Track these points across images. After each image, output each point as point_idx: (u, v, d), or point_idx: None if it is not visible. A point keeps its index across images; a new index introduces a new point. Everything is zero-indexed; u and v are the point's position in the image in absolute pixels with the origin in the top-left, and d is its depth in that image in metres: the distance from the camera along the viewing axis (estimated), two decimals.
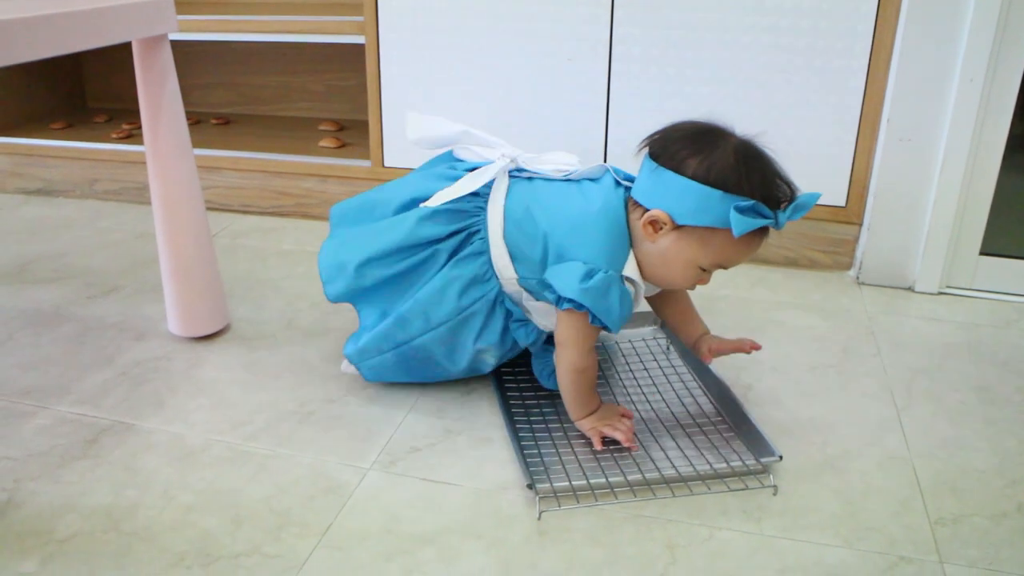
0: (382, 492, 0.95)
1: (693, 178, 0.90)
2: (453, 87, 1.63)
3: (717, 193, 0.89)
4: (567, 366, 1.00)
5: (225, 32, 1.78)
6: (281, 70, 2.17)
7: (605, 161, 1.59)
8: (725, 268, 0.96)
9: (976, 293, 1.45)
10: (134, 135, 1.98)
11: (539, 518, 0.91)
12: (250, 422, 1.08)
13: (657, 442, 1.02)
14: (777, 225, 0.90)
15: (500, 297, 1.04)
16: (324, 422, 1.08)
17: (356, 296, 1.08)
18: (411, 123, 1.11)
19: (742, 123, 1.53)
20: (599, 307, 0.94)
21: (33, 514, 0.91)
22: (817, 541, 0.88)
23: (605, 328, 0.96)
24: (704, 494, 0.94)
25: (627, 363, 1.21)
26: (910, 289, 1.47)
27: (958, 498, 0.94)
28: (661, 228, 0.94)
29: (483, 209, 1.03)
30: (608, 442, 1.00)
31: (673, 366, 1.20)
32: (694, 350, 1.11)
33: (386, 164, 1.71)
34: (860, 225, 1.50)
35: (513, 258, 1.02)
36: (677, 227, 0.93)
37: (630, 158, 1.02)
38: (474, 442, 1.04)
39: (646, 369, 1.19)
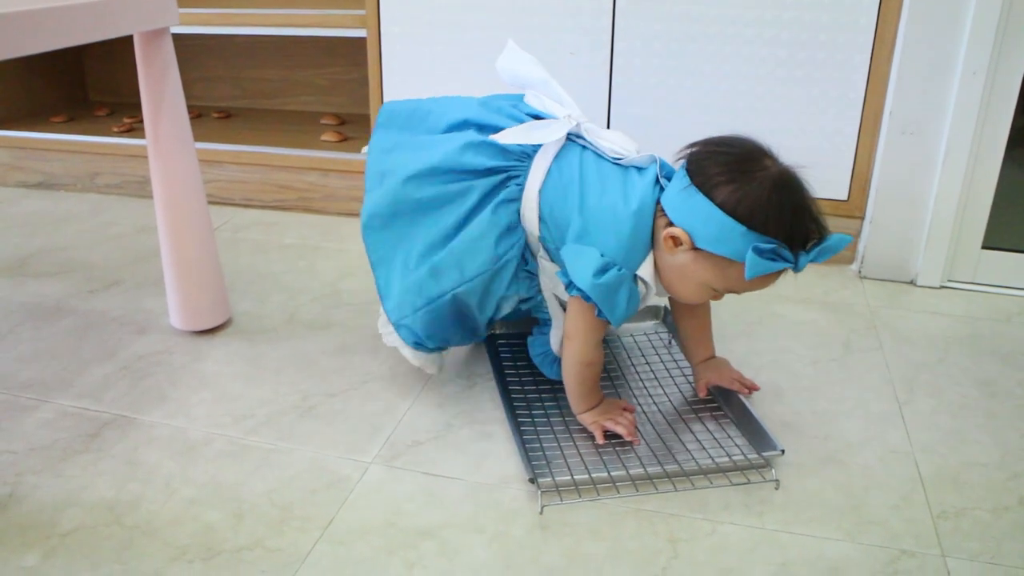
0: (384, 486, 0.95)
1: (721, 206, 0.87)
2: (455, 80, 1.62)
3: (740, 228, 0.86)
4: (575, 359, 0.99)
5: (227, 25, 1.77)
6: (283, 64, 2.17)
7: None
8: (737, 294, 0.95)
9: (978, 287, 1.45)
10: (135, 129, 1.98)
11: (541, 512, 0.91)
12: (252, 416, 1.08)
13: (659, 436, 1.02)
14: (796, 268, 0.88)
15: (527, 247, 1.02)
16: (326, 416, 1.08)
17: (386, 223, 1.04)
18: (507, 50, 1.07)
19: (744, 116, 1.53)
20: (606, 303, 0.93)
21: (35, 508, 0.91)
22: (819, 535, 0.88)
23: (608, 322, 0.96)
24: (706, 488, 0.94)
25: (629, 357, 1.21)
26: (912, 283, 1.47)
27: (960, 492, 0.94)
28: (680, 245, 0.92)
29: (529, 157, 1.00)
30: (610, 436, 1.00)
31: (675, 360, 1.20)
32: (694, 373, 1.12)
33: None
34: (862, 219, 1.50)
35: (540, 217, 0.99)
36: (695, 248, 0.91)
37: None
38: (476, 436, 1.04)
39: (648, 363, 1.19)
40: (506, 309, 1.06)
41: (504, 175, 1.00)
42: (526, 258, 1.03)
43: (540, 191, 0.99)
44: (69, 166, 1.95)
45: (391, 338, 1.09)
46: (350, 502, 0.92)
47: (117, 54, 2.26)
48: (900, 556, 0.85)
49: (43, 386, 1.15)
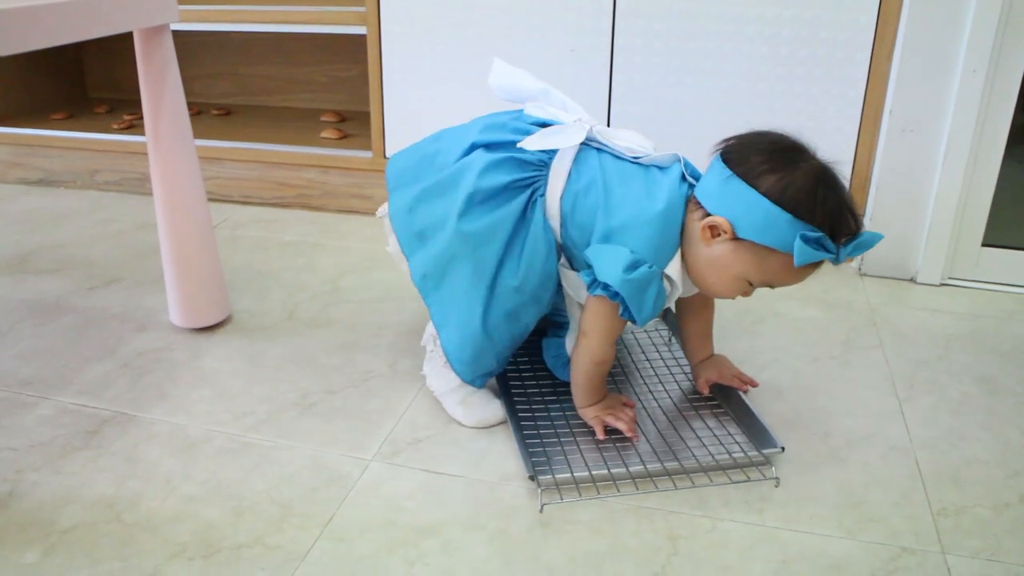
0: (384, 483, 0.95)
1: (766, 195, 0.87)
2: (455, 78, 1.62)
3: (787, 216, 0.86)
4: (588, 356, 0.99)
5: (227, 22, 1.77)
6: (282, 61, 2.16)
7: None
8: (772, 287, 0.94)
9: (978, 284, 1.45)
10: (135, 125, 1.98)
11: (541, 510, 0.91)
12: (252, 413, 1.08)
13: (659, 433, 1.02)
14: (836, 260, 0.87)
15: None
16: (326, 413, 1.08)
17: (440, 278, 1.02)
18: (496, 69, 1.07)
19: (745, 114, 1.53)
20: (634, 301, 0.92)
21: (35, 505, 0.91)
22: (819, 532, 0.88)
23: (632, 321, 0.95)
24: (706, 485, 0.94)
25: (629, 354, 1.21)
26: (912, 280, 1.47)
27: (960, 489, 0.94)
28: (719, 235, 0.91)
29: (547, 165, 0.99)
30: (610, 432, 1.00)
31: (675, 357, 1.20)
32: (693, 372, 1.12)
33: (387, 155, 1.71)
34: (862, 216, 1.50)
35: (562, 222, 0.98)
36: (736, 238, 0.90)
37: None
38: (476, 433, 1.04)
39: (648, 360, 1.19)
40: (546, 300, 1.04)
41: (530, 188, 0.98)
42: None
43: (562, 196, 0.98)
44: (69, 163, 1.95)
45: (437, 384, 1.09)
46: (350, 499, 0.92)
47: (117, 51, 2.26)
48: (900, 553, 0.85)
49: (43, 383, 1.15)
